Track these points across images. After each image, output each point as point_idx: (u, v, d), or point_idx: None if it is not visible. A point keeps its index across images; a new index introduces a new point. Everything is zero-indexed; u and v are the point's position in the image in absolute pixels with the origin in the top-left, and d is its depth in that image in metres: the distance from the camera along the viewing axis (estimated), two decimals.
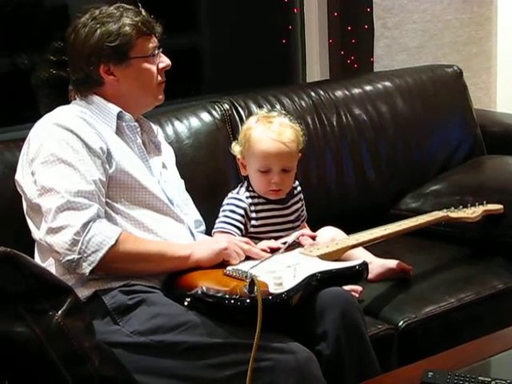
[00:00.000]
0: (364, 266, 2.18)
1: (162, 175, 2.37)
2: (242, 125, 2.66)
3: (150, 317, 2.02)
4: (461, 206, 2.72)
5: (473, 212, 2.69)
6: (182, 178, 2.50)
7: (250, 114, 2.82)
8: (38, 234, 2.15)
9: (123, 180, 2.20)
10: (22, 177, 2.20)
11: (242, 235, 2.40)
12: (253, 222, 2.43)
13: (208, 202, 2.58)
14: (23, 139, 2.26)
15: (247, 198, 2.45)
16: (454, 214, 2.69)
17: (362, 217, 2.81)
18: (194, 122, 2.81)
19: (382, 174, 3.13)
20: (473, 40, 4.10)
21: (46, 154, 2.13)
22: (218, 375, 1.94)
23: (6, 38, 3.08)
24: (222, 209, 2.46)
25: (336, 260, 2.25)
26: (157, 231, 2.22)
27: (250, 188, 2.47)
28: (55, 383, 1.64)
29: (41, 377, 1.64)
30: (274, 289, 1.96)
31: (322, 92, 3.13)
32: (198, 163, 2.74)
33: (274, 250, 2.25)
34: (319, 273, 2.08)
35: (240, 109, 2.91)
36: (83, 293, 2.08)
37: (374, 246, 2.53)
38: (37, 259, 2.19)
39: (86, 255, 2.03)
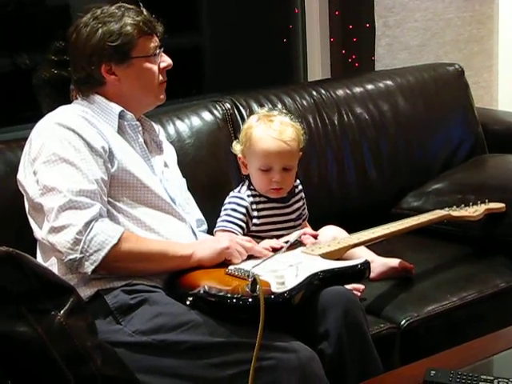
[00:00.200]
0: (366, 264, 2.18)
1: (164, 174, 2.37)
2: (243, 124, 2.66)
3: (152, 316, 2.02)
4: (463, 205, 2.73)
5: (475, 211, 2.69)
6: (184, 177, 2.50)
7: (251, 113, 2.81)
8: (40, 233, 2.16)
9: (125, 179, 2.20)
10: (23, 176, 2.20)
11: (244, 234, 2.40)
12: (254, 221, 2.44)
13: (210, 201, 2.59)
14: (25, 139, 2.26)
15: (248, 196, 2.45)
16: (456, 212, 2.69)
17: (364, 216, 2.81)
18: (195, 122, 2.81)
19: (383, 173, 3.13)
20: (474, 38, 4.10)
21: (47, 153, 2.13)
22: (221, 374, 1.94)
23: (7, 38, 3.08)
24: (223, 208, 2.47)
25: (338, 259, 2.24)
26: (159, 230, 2.22)
27: (252, 187, 2.47)
28: (57, 383, 1.65)
29: (43, 376, 1.64)
30: (276, 288, 1.96)
31: (323, 91, 3.13)
32: (200, 162, 2.74)
33: (275, 249, 2.25)
34: (321, 272, 2.08)
35: (241, 108, 2.91)
36: (85, 292, 2.08)
37: (375, 245, 2.53)
38: (39, 259, 2.19)
39: (88, 254, 2.03)
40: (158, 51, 2.32)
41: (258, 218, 2.44)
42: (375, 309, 2.43)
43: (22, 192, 2.22)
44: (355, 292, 2.32)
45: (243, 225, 2.41)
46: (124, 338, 2.01)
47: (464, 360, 1.93)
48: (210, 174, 2.74)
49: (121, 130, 2.29)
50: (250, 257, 2.21)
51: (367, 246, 2.51)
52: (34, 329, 1.63)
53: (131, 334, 2.02)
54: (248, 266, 2.11)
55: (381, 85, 3.26)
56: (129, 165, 2.21)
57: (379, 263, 2.55)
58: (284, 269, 2.08)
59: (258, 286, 1.90)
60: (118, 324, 2.05)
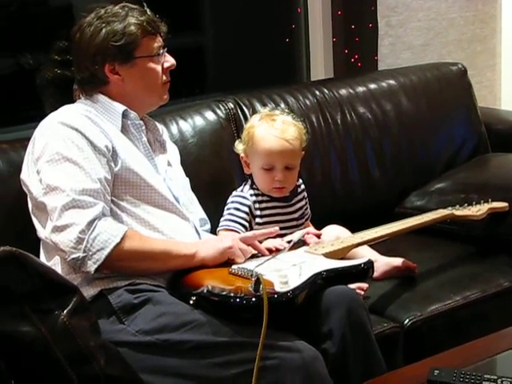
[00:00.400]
0: (369, 264, 2.18)
1: (168, 173, 2.37)
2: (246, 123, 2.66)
3: (156, 316, 2.02)
4: (466, 204, 2.72)
5: (478, 210, 2.69)
6: (187, 176, 2.51)
7: (254, 112, 2.82)
8: (43, 232, 2.16)
9: (129, 178, 2.20)
10: (27, 175, 2.21)
11: None
12: (257, 220, 2.44)
13: (213, 200, 2.59)
14: (28, 139, 2.27)
15: (251, 195, 2.45)
16: (459, 211, 2.68)
17: (367, 215, 2.81)
18: (198, 121, 2.81)
19: (386, 172, 3.13)
20: (477, 38, 4.09)
21: (51, 152, 2.13)
22: (224, 374, 1.94)
23: (11, 38, 3.08)
24: (226, 207, 2.47)
25: (341, 258, 2.24)
26: (162, 229, 2.22)
27: (254, 186, 2.48)
28: (61, 382, 1.65)
29: (46, 376, 1.65)
30: (279, 287, 1.96)
31: (326, 90, 3.13)
32: (203, 162, 2.74)
33: (279, 249, 2.25)
34: (325, 271, 2.08)
35: (244, 108, 2.91)
36: (89, 292, 2.08)
37: (378, 244, 2.53)
38: (42, 258, 2.20)
39: (91, 253, 2.03)
40: (161, 51, 2.32)
41: (261, 217, 2.45)
42: (378, 308, 2.43)
43: (26, 191, 2.23)
44: (359, 291, 2.32)
45: (246, 224, 2.42)
46: (127, 338, 2.01)
47: (467, 359, 1.93)
48: (213, 174, 2.74)
49: (124, 129, 2.29)
50: (254, 256, 2.21)
51: (370, 246, 2.51)
52: (37, 328, 1.63)
53: (134, 334, 2.02)
54: (251, 265, 2.11)
55: (384, 84, 3.26)
56: (132, 164, 2.21)
57: (382, 262, 2.55)
58: (287, 268, 2.08)
59: (261, 286, 1.90)
60: (122, 324, 2.05)
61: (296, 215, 2.51)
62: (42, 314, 1.65)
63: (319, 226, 2.54)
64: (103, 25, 2.25)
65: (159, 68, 2.32)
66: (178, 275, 2.14)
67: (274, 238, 2.35)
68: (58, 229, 2.05)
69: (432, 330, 2.41)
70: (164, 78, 2.34)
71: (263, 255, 2.22)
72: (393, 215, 2.82)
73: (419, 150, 3.22)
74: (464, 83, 3.43)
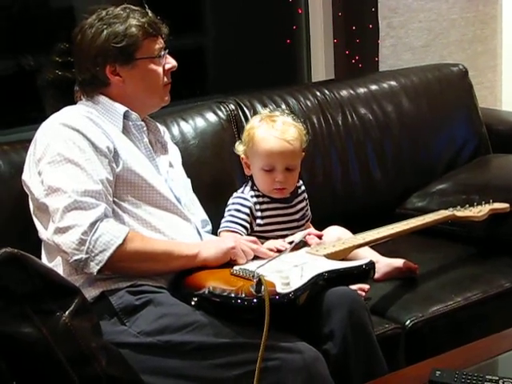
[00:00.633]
0: (371, 265, 2.18)
1: (169, 174, 2.37)
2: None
3: (157, 317, 2.02)
4: (467, 205, 2.72)
5: (479, 211, 2.69)
6: (188, 177, 2.51)
7: (255, 114, 2.81)
8: (45, 233, 2.16)
9: (130, 179, 2.20)
10: (28, 177, 2.21)
11: (248, 234, 2.40)
12: (258, 221, 2.44)
13: (214, 201, 2.59)
14: (29, 140, 2.27)
15: (252, 197, 2.45)
16: (460, 212, 2.68)
17: (368, 216, 2.80)
18: (199, 123, 2.82)
19: (387, 174, 3.13)
20: (478, 39, 4.10)
21: (52, 153, 2.13)
22: (226, 375, 1.94)
23: (12, 40, 3.08)
24: (227, 208, 2.47)
25: (342, 259, 2.25)
26: (164, 230, 2.22)
27: (255, 187, 2.48)
28: (62, 383, 1.65)
29: (48, 377, 1.64)
30: (281, 288, 1.96)
31: (327, 92, 3.13)
32: (204, 163, 2.74)
33: (280, 250, 2.25)
34: (326, 272, 2.08)
35: (245, 109, 2.92)
36: (90, 293, 2.08)
37: (380, 246, 2.53)
38: (44, 259, 2.20)
39: (93, 255, 2.03)
40: (162, 53, 2.32)
41: (262, 218, 2.45)
42: (380, 309, 2.43)
43: (27, 192, 2.23)
44: (360, 292, 2.32)
45: (247, 225, 2.42)
46: (129, 339, 2.01)
47: (469, 360, 1.93)
48: (215, 175, 2.74)
49: (126, 130, 2.29)
50: (255, 257, 2.21)
51: (371, 247, 2.51)
52: (38, 330, 1.63)
53: (136, 335, 2.02)
54: (253, 266, 2.11)
55: (385, 85, 3.26)
56: (134, 165, 2.22)
57: (384, 263, 2.55)
58: (289, 269, 2.08)
59: (262, 287, 1.90)
60: (123, 325, 2.05)
61: (297, 216, 2.51)
62: (43, 315, 1.65)
63: (320, 226, 2.54)
64: (104, 26, 2.26)
65: (160, 70, 2.32)
66: (180, 276, 2.14)
67: (275, 238, 2.36)
68: (61, 230, 2.05)
69: (433, 331, 2.41)
70: (165, 79, 2.34)
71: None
72: (394, 216, 2.81)
73: (420, 151, 3.22)
74: (465, 84, 3.43)
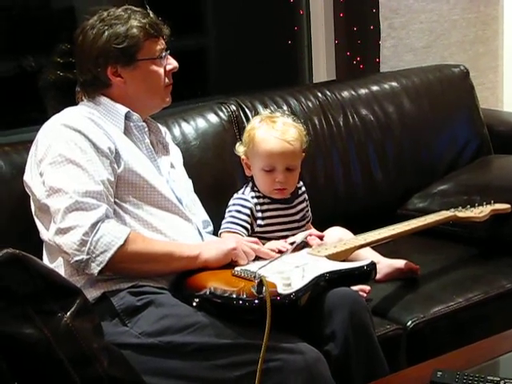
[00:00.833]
0: (372, 266, 2.18)
1: (171, 175, 2.37)
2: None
3: (159, 318, 2.02)
4: (468, 206, 2.72)
5: (480, 211, 2.69)
6: (190, 178, 2.51)
7: (256, 115, 2.80)
8: (46, 234, 2.16)
9: (132, 179, 2.20)
10: (30, 177, 2.21)
11: (249, 235, 2.40)
12: (259, 222, 2.44)
13: (215, 202, 2.59)
14: (31, 141, 2.27)
15: (253, 197, 2.46)
16: (462, 213, 2.68)
17: (369, 217, 2.81)
18: (200, 124, 2.82)
19: (389, 174, 3.13)
20: (479, 40, 4.09)
21: (54, 154, 2.13)
22: (227, 376, 1.94)
23: (13, 41, 3.09)
24: (227, 209, 2.47)
25: (344, 260, 2.25)
26: (165, 231, 2.22)
27: (255, 188, 2.48)
28: None
29: (49, 378, 1.64)
30: (282, 289, 1.96)
31: (328, 93, 3.13)
32: (205, 164, 2.74)
33: (282, 251, 2.25)
34: (327, 273, 2.08)
35: (247, 110, 2.92)
36: (92, 294, 2.08)
37: (381, 246, 2.53)
38: (45, 260, 2.20)
39: (94, 255, 2.03)
40: (164, 54, 2.32)
41: (263, 219, 2.45)
42: (381, 310, 2.43)
43: (29, 193, 2.23)
44: (361, 293, 2.32)
45: (248, 226, 2.42)
46: (130, 340, 2.01)
47: (470, 361, 1.93)
48: (216, 176, 2.74)
49: (127, 131, 2.30)
50: (257, 258, 2.21)
51: (373, 247, 2.51)
52: (40, 330, 1.63)
53: (137, 336, 2.02)
54: (254, 267, 2.11)
55: (386, 86, 3.26)
56: (135, 165, 2.22)
57: (385, 264, 2.55)
58: (290, 270, 2.08)
59: (264, 288, 1.90)
60: (125, 326, 2.05)
61: (297, 217, 2.51)
62: (44, 315, 1.65)
63: (322, 227, 2.54)
64: (106, 27, 2.26)
65: (161, 71, 2.32)
66: (181, 277, 2.14)
67: (276, 239, 2.36)
68: (62, 231, 2.05)
69: (435, 332, 2.41)
70: (166, 80, 2.34)
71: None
72: (395, 217, 2.81)
73: (421, 152, 3.22)
74: (466, 85, 3.43)
